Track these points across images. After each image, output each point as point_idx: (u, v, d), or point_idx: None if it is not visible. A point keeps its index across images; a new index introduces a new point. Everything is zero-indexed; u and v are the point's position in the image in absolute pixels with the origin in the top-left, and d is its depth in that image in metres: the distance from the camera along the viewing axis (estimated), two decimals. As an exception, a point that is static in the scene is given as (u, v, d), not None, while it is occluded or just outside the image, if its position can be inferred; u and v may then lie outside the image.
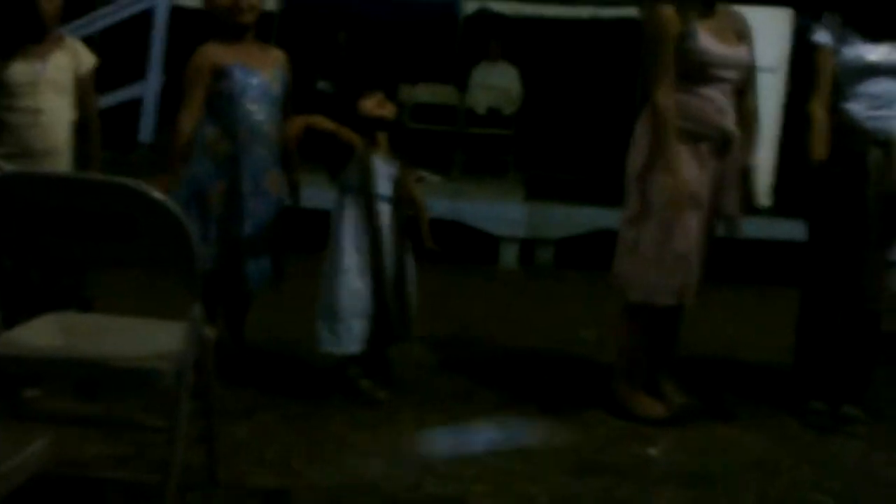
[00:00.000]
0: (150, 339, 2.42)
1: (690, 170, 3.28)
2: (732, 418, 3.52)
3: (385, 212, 3.44)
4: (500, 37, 8.59)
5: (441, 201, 6.21)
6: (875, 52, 3.45)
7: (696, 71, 3.27)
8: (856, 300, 3.49)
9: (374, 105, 3.44)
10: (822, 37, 3.53)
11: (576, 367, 4.03)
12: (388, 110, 3.47)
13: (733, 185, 3.41)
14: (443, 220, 6.03)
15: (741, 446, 3.28)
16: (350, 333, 3.39)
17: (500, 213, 6.19)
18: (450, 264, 5.79)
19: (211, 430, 2.56)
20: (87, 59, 3.44)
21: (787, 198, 5.93)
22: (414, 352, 3.86)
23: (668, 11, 3.25)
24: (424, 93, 8.32)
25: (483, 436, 3.20)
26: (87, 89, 3.44)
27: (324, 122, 3.46)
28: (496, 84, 8.38)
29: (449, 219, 6.07)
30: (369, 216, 3.41)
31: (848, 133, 3.46)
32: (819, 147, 3.47)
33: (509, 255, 6.12)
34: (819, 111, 3.50)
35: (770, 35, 5.70)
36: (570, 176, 7.12)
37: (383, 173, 3.45)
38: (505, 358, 4.14)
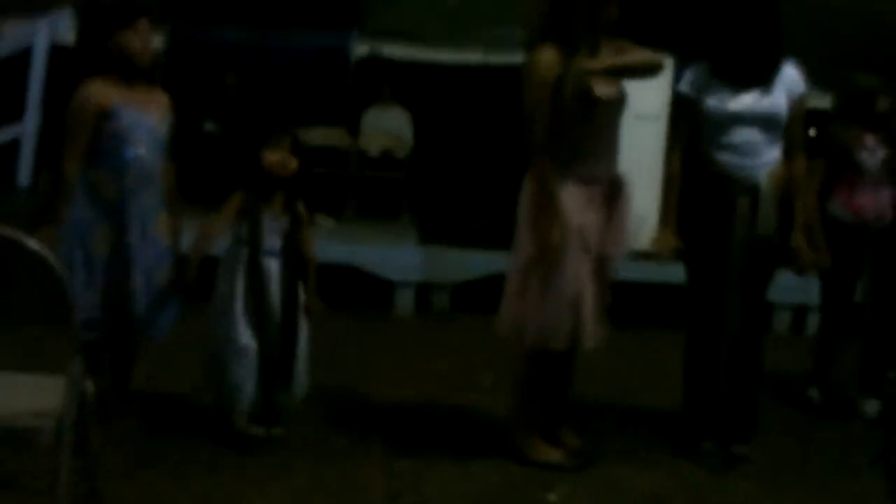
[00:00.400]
0: (26, 395, 2.30)
1: (581, 214, 3.31)
2: (627, 461, 3.55)
3: (273, 266, 3.41)
4: (392, 80, 8.64)
5: (334, 246, 6.14)
6: (740, 102, 3.51)
7: (580, 114, 3.26)
8: (734, 342, 3.58)
9: (277, 162, 3.39)
10: (682, 86, 3.62)
11: (473, 413, 4.00)
12: (291, 167, 3.42)
13: (620, 228, 3.44)
14: (337, 265, 5.97)
15: (636, 489, 3.32)
16: (232, 384, 3.35)
17: (395, 257, 6.15)
18: (345, 311, 5.74)
19: (94, 490, 2.43)
20: None
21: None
22: (305, 403, 3.76)
23: (549, 55, 3.26)
24: (316, 136, 8.25)
25: (377, 486, 3.14)
26: None
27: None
28: (388, 127, 8.41)
29: (343, 264, 6.01)
30: (254, 270, 3.38)
31: (717, 181, 3.54)
32: (671, 211, 3.63)
33: (405, 301, 6.08)
34: (676, 164, 3.63)
35: (652, 82, 5.90)
36: (464, 219, 7.16)
37: (272, 228, 3.42)
38: (401, 406, 4.08)
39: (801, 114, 3.59)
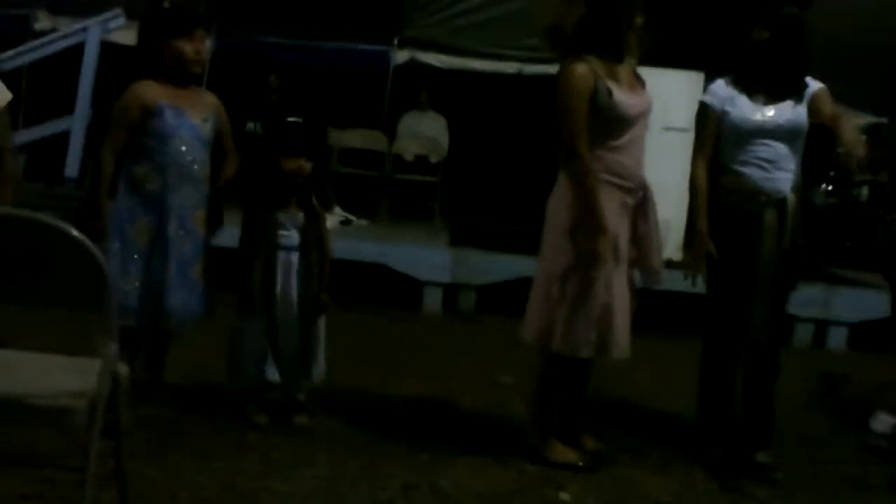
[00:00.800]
0: (62, 376, 2.40)
1: (615, 224, 3.34)
2: (640, 465, 3.61)
3: (293, 260, 3.58)
4: (430, 87, 8.76)
5: (367, 245, 6.29)
6: (766, 114, 3.55)
7: (614, 125, 3.33)
8: (753, 351, 3.63)
9: (293, 169, 3.57)
10: (707, 97, 3.64)
11: (493, 412, 4.10)
12: (306, 171, 3.58)
13: (654, 237, 3.49)
14: (369, 263, 6.11)
15: (647, 492, 3.37)
16: (246, 371, 3.58)
17: (425, 258, 6.28)
18: (375, 307, 5.87)
19: (120, 469, 2.54)
20: (2, 95, 3.43)
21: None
22: (331, 395, 3.88)
23: (582, 68, 3.31)
24: (353, 138, 8.42)
25: (398, 480, 3.23)
26: (1, 124, 3.42)
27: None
28: (424, 132, 8.53)
29: (375, 262, 6.14)
30: (269, 265, 3.55)
31: (743, 194, 3.57)
32: (701, 219, 3.59)
33: (433, 300, 6.19)
34: (701, 174, 3.61)
35: (682, 96, 5.96)
36: (493, 224, 7.26)
37: (290, 223, 3.58)
38: (423, 402, 4.19)
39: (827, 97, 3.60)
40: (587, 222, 3.29)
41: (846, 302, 6.10)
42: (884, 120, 7.84)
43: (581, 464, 3.49)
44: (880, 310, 4.55)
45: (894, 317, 4.34)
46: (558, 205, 3.41)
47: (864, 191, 7.96)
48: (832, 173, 8.10)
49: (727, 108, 3.59)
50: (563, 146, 3.34)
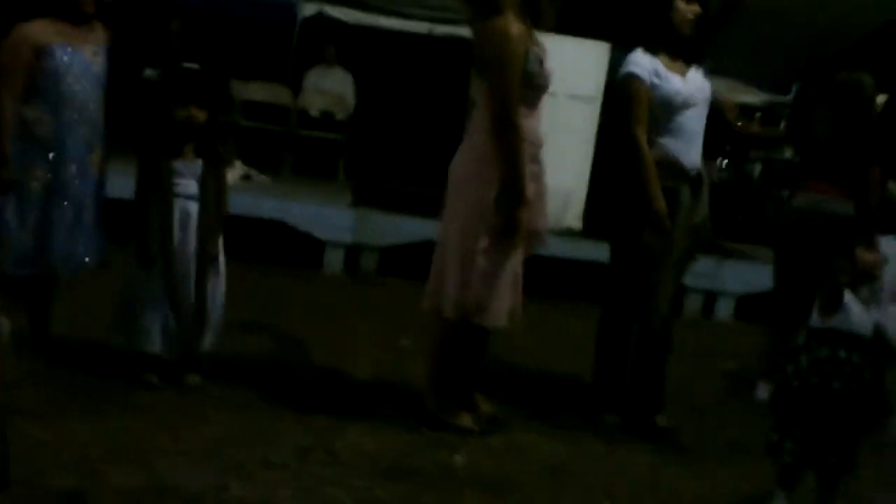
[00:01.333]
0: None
1: (530, 191, 3.29)
2: (534, 429, 3.67)
3: (191, 211, 3.46)
4: (338, 43, 8.61)
5: (268, 202, 6.17)
6: (687, 84, 3.59)
7: (533, 94, 3.29)
8: (651, 320, 3.71)
9: (185, 118, 3.44)
10: (636, 69, 3.59)
11: (389, 375, 4.10)
12: (199, 119, 3.46)
13: (542, 201, 3.48)
14: (269, 220, 6.00)
15: (540, 455, 3.44)
16: (139, 327, 3.43)
17: (327, 217, 6.20)
18: (274, 267, 5.78)
19: (2, 427, 2.44)
20: None
21: (595, 221, 6.23)
22: (225, 355, 3.81)
23: (517, 28, 3.19)
24: (258, 91, 8.22)
25: (290, 439, 3.21)
26: None
27: None
28: (330, 88, 8.39)
29: (275, 219, 6.04)
30: (165, 214, 3.43)
31: (664, 168, 3.57)
32: (658, 199, 3.49)
33: (334, 261, 6.14)
34: (646, 147, 3.53)
35: (588, 66, 6.02)
36: (398, 185, 7.21)
37: (187, 173, 3.46)
38: (320, 364, 4.16)
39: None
40: (514, 192, 3.22)
41: (734, 274, 6.31)
42: (783, 98, 8.10)
43: (476, 428, 3.53)
44: (765, 283, 4.73)
45: (776, 290, 4.52)
46: (474, 175, 3.30)
47: (757, 167, 8.26)
48: (727, 148, 8.36)
49: (654, 79, 3.58)
50: (495, 112, 3.22)
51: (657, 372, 3.79)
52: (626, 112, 3.61)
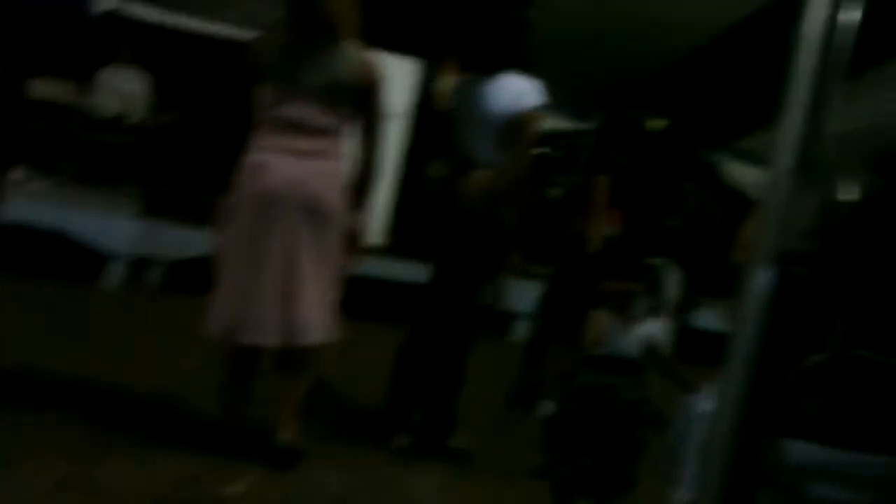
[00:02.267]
0: None
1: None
2: (326, 456, 3.50)
3: None
4: (133, 42, 8.11)
5: (46, 210, 5.66)
6: (485, 101, 3.59)
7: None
8: (452, 339, 3.70)
9: None
10: (441, 83, 3.69)
11: (168, 399, 3.80)
12: None
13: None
14: (46, 231, 5.50)
15: (324, 483, 3.28)
16: None
17: (111, 228, 5.76)
18: (51, 280, 5.28)
19: None
20: None
21: (403, 239, 6.16)
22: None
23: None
24: (42, 88, 7.61)
25: (47, 473, 2.88)
26: None
27: None
28: (123, 89, 7.89)
29: (53, 230, 5.54)
30: None
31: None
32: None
33: (116, 275, 5.71)
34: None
35: (397, 83, 5.96)
36: (190, 195, 6.83)
37: None
38: (92, 386, 3.79)
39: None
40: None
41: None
42: (585, 125, 8.24)
43: (265, 454, 3.32)
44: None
45: (545, 305, 4.62)
46: (342, 203, 3.30)
47: (558, 191, 8.44)
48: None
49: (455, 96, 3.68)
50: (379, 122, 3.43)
51: (451, 394, 3.75)
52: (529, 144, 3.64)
